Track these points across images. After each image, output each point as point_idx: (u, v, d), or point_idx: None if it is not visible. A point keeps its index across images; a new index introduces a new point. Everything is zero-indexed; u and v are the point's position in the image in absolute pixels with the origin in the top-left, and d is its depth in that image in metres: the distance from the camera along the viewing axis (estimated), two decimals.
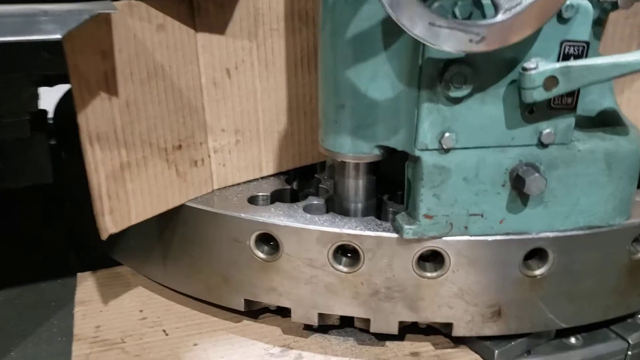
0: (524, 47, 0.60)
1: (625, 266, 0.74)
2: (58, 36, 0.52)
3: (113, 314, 0.82)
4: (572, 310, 0.74)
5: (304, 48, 0.76)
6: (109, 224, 0.66)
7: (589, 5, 0.60)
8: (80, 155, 0.64)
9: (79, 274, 0.90)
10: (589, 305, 0.74)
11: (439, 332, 0.77)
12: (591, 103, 0.69)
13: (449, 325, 0.72)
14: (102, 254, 0.90)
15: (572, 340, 0.80)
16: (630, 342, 0.80)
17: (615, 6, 0.63)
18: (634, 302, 0.77)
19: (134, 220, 0.69)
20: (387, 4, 0.53)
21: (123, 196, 0.67)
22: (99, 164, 0.65)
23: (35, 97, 0.96)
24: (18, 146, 0.96)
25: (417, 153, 0.64)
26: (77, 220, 0.95)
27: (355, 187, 0.73)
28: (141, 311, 0.82)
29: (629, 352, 0.80)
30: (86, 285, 0.88)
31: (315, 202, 0.75)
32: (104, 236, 0.67)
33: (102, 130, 0.64)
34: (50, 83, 1.02)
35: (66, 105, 1.05)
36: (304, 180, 0.86)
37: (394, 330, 0.73)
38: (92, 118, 0.63)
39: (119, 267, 0.91)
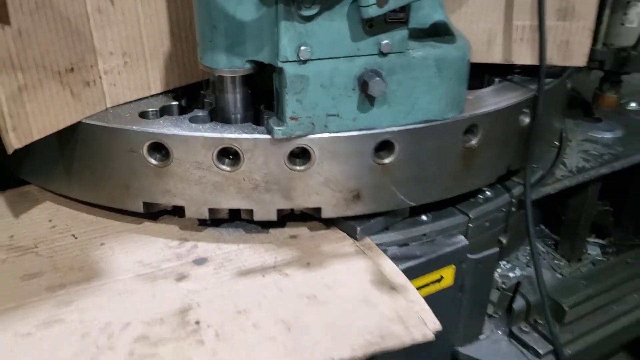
0: None
1: (459, 153, 0.90)
2: None
3: (24, 225, 0.91)
4: (419, 191, 0.90)
5: None
6: (13, 140, 0.75)
7: None
8: None
9: None
10: (433, 186, 0.91)
11: (313, 217, 0.92)
12: (424, 17, 0.83)
13: (318, 210, 0.87)
14: (10, 176, 0.98)
15: (423, 217, 0.97)
16: (471, 216, 0.98)
17: None
18: (470, 182, 0.95)
19: (36, 137, 0.78)
20: None
21: (23, 115, 0.76)
22: (0, 88, 0.72)
23: None
24: None
25: (280, 65, 0.76)
26: None
27: (234, 98, 0.84)
28: (50, 221, 0.92)
29: (470, 225, 0.99)
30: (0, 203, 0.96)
31: (200, 114, 0.87)
32: (10, 151, 0.75)
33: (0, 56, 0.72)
34: None
35: None
36: (191, 97, 0.97)
37: (274, 217, 0.87)
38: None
39: (26, 186, 0.99)
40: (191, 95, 0.96)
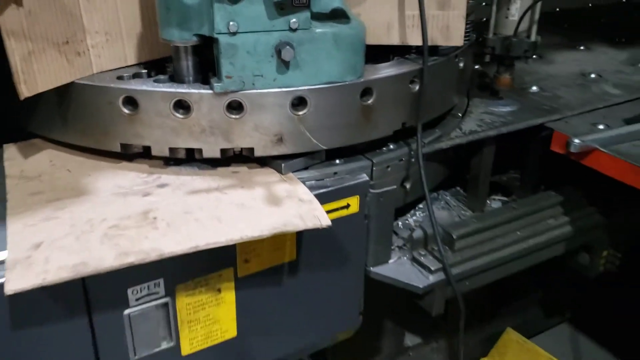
0: None
1: (359, 109, 1.20)
2: None
3: (31, 164, 1.20)
4: (328, 137, 1.19)
5: None
6: (24, 90, 1.04)
7: None
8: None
9: (4, 145, 1.26)
10: (339, 134, 1.20)
11: (250, 160, 1.21)
12: (325, 4, 1.12)
13: (252, 150, 1.16)
14: (20, 132, 1.27)
15: (337, 161, 1.25)
16: (374, 161, 1.27)
17: None
18: (369, 133, 1.24)
19: (40, 89, 1.07)
20: None
21: (31, 73, 1.05)
22: (15, 51, 1.02)
23: None
24: None
25: (216, 36, 1.06)
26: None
27: (186, 65, 1.14)
28: (51, 161, 1.21)
29: (374, 168, 1.27)
30: (10, 150, 1.25)
31: (161, 77, 1.16)
32: (22, 97, 1.05)
33: (15, 29, 1.01)
34: None
35: None
36: (157, 68, 1.26)
37: (218, 155, 1.15)
38: (8, 21, 1.00)
39: (34, 139, 1.28)
40: (157, 67, 1.25)
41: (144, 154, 1.19)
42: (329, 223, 1.05)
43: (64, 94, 1.14)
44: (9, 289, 0.87)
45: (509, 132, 1.46)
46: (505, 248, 1.41)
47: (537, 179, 1.60)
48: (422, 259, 1.34)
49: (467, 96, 1.60)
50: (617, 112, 1.55)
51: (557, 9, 2.53)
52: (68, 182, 1.14)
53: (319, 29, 1.11)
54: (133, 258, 0.93)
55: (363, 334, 1.88)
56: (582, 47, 2.08)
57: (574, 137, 1.36)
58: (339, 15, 1.14)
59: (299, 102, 1.15)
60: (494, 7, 1.46)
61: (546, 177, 1.62)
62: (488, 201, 1.60)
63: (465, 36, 1.40)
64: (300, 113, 1.14)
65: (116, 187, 1.12)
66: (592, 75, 1.79)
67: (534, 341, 2.05)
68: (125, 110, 1.12)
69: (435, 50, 1.33)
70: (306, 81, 1.13)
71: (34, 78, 1.06)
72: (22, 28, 1.03)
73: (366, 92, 1.20)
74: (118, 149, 1.17)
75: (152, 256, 0.94)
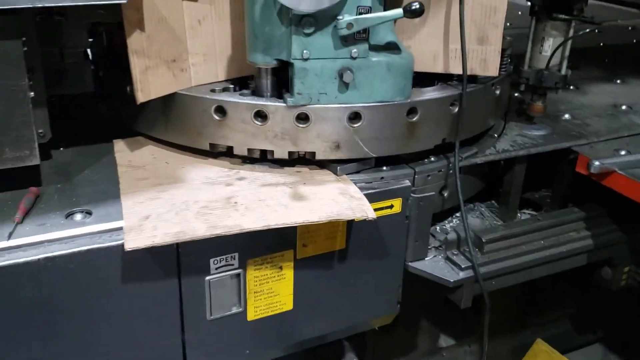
0: (339, 8, 1.28)
1: (405, 124, 1.43)
2: (124, 1, 1.18)
3: (137, 156, 1.49)
4: (377, 147, 1.43)
5: (240, 8, 1.43)
6: (140, 96, 1.33)
7: None
8: (114, 70, 1.30)
9: (114, 140, 1.56)
10: (387, 144, 1.44)
11: (312, 162, 1.46)
12: (381, 38, 1.37)
13: (314, 154, 1.41)
14: (124, 129, 1.57)
15: (384, 167, 1.49)
16: (416, 170, 1.50)
17: None
18: (413, 145, 1.47)
19: (152, 96, 1.36)
20: None
21: (147, 83, 1.34)
22: (136, 65, 1.31)
23: (87, 38, 1.61)
24: (76, 68, 1.61)
25: (292, 61, 1.32)
26: (113, 109, 1.61)
27: (266, 83, 1.41)
28: (153, 154, 1.49)
29: (415, 176, 1.50)
30: (119, 144, 1.54)
31: (245, 91, 1.43)
32: (138, 102, 1.33)
33: (137, 49, 1.31)
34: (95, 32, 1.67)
35: (99, 46, 1.70)
36: (243, 84, 1.53)
37: (286, 156, 1.41)
38: (133, 42, 1.29)
39: (138, 136, 1.57)
40: (242, 83, 1.52)
41: (226, 153, 1.46)
42: (375, 216, 1.29)
43: (168, 101, 1.43)
44: (128, 247, 1.14)
45: (538, 153, 1.66)
46: (529, 254, 1.60)
47: (565, 197, 1.79)
48: (454, 257, 1.55)
49: (505, 119, 1.81)
50: None
51: (601, 44, 2.70)
52: (167, 172, 1.42)
53: (375, 57, 1.36)
54: (220, 230, 1.19)
55: (401, 331, 2.10)
56: (618, 81, 2.25)
57: (595, 160, 1.55)
58: (392, 47, 1.39)
59: (354, 117, 1.39)
60: (530, 43, 1.68)
61: (574, 195, 1.80)
62: (519, 214, 1.80)
63: (502, 67, 1.62)
64: (355, 125, 1.39)
65: (205, 178, 1.40)
66: (623, 107, 1.97)
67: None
68: (216, 117, 1.40)
69: (474, 78, 1.56)
70: (362, 99, 1.38)
71: (148, 88, 1.35)
72: (143, 48, 1.32)
73: (412, 111, 1.43)
74: (207, 147, 1.44)
75: (235, 230, 1.20)
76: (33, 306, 1.18)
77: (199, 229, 1.19)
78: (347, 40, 1.32)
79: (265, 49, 1.34)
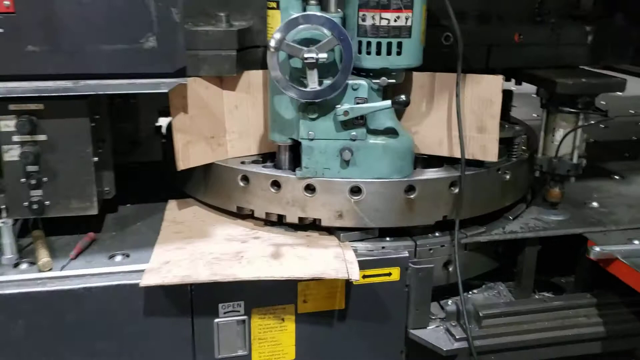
0: (338, 98, 1.52)
1: (403, 201, 1.60)
2: (165, 91, 1.51)
3: (181, 214, 1.79)
4: (378, 218, 1.60)
5: (267, 98, 1.71)
6: (180, 165, 1.64)
7: (366, 84, 1.51)
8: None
9: (169, 200, 1.88)
10: (387, 217, 1.61)
11: (319, 227, 1.66)
12: (380, 124, 1.58)
13: (320, 220, 1.62)
14: (179, 191, 1.88)
15: (387, 238, 1.65)
16: (417, 242, 1.64)
17: (379, 85, 1.53)
18: (412, 219, 1.62)
19: (191, 165, 1.66)
20: (279, 85, 1.48)
21: (187, 154, 1.65)
22: (179, 141, 1.63)
23: (157, 117, 1.99)
24: (147, 141, 1.99)
25: (300, 140, 1.57)
26: (171, 175, 1.94)
27: (284, 158, 1.66)
28: (194, 214, 1.79)
29: (417, 248, 1.64)
30: (172, 204, 1.85)
31: (268, 164, 1.69)
32: (178, 169, 1.64)
33: (180, 127, 1.62)
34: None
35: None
36: (270, 157, 1.79)
37: (296, 221, 1.63)
38: (177, 122, 1.61)
39: (187, 198, 1.88)
40: (272, 157, 1.78)
41: (252, 216, 1.71)
42: (357, 278, 1.45)
43: (207, 169, 1.73)
44: (142, 284, 1.41)
45: (553, 236, 1.73)
46: (531, 333, 1.64)
47: (586, 282, 1.81)
48: (452, 328, 1.64)
49: (526, 202, 1.90)
50: None
51: None
52: (199, 228, 1.69)
53: (372, 140, 1.56)
54: (218, 277, 1.43)
55: None
56: None
57: (597, 246, 1.59)
58: (390, 132, 1.59)
59: (355, 190, 1.59)
60: (542, 133, 1.78)
61: (601, 282, 1.81)
62: (537, 296, 1.84)
63: (513, 154, 1.75)
64: (356, 198, 1.59)
65: (227, 235, 1.65)
66: None
67: None
68: (241, 184, 1.66)
69: (481, 163, 1.69)
70: (361, 175, 1.58)
71: (188, 158, 1.66)
72: (186, 126, 1.63)
73: (410, 188, 1.60)
74: (235, 209, 1.71)
75: (229, 278, 1.43)
76: (73, 326, 1.47)
77: (202, 274, 1.44)
78: (346, 125, 1.54)
79: (281, 130, 1.60)
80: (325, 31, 1.45)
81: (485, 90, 1.59)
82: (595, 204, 1.92)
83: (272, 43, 1.44)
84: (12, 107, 1.47)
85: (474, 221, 1.74)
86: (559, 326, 1.67)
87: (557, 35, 1.80)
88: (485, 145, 1.64)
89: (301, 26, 1.45)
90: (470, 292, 1.84)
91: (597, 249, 1.58)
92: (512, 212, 1.85)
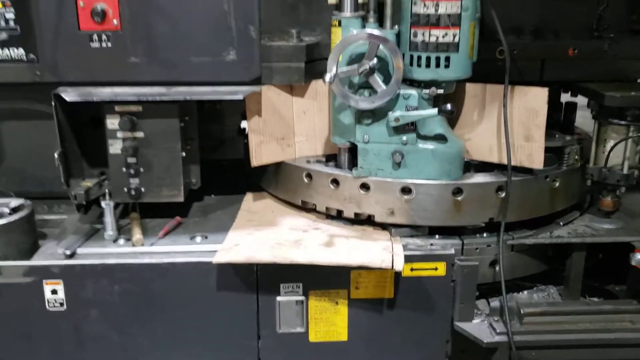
0: (391, 106, 1.69)
1: (451, 201, 1.73)
2: (240, 97, 1.75)
3: (256, 204, 2.02)
4: (427, 217, 1.75)
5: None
6: (254, 162, 1.88)
7: (416, 93, 1.67)
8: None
9: (247, 192, 2.13)
10: (435, 216, 1.75)
11: (374, 223, 1.83)
12: (430, 130, 1.73)
13: (373, 216, 1.79)
14: (256, 185, 2.12)
15: (437, 236, 1.79)
16: (465, 241, 1.77)
17: (429, 95, 1.68)
18: (459, 219, 1.75)
19: (264, 162, 1.89)
20: (339, 96, 1.68)
21: (260, 153, 1.88)
22: (253, 140, 1.86)
23: (240, 119, 2.26)
24: (232, 140, 2.26)
25: (357, 143, 1.75)
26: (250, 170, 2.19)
27: (343, 158, 1.85)
28: (267, 205, 2.02)
29: (464, 247, 1.77)
30: (248, 196, 2.10)
31: (330, 164, 1.89)
32: (252, 166, 1.88)
33: (255, 129, 1.86)
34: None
35: None
36: (332, 158, 1.98)
37: (352, 216, 1.81)
38: (252, 124, 1.85)
39: (262, 192, 2.12)
40: (333, 157, 1.98)
41: (314, 209, 1.92)
42: (400, 269, 1.61)
43: (278, 167, 1.95)
44: (215, 261, 1.65)
45: (594, 242, 1.80)
46: (571, 333, 1.72)
47: (636, 290, 1.85)
48: (494, 323, 1.76)
49: (580, 209, 1.96)
50: None
51: None
52: (269, 218, 1.92)
53: (422, 145, 1.72)
54: (277, 259, 1.64)
55: None
56: None
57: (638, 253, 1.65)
58: (439, 138, 1.73)
59: (406, 190, 1.75)
60: (594, 144, 1.84)
61: None
62: (587, 300, 1.90)
63: (564, 162, 1.83)
64: (406, 197, 1.74)
65: (292, 225, 1.87)
66: None
67: None
68: (306, 180, 1.87)
69: (530, 170, 1.79)
70: (411, 176, 1.74)
71: (260, 156, 1.89)
72: (259, 128, 1.87)
73: (458, 190, 1.74)
74: (300, 203, 1.92)
75: (287, 261, 1.64)
76: (157, 294, 1.74)
77: (264, 256, 1.66)
78: (398, 130, 1.71)
79: (341, 134, 1.80)
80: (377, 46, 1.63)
81: (531, 102, 1.70)
82: None
83: (327, 79, 1.64)
84: (117, 108, 1.77)
85: (524, 224, 1.84)
86: (601, 329, 1.73)
87: (614, 49, 1.86)
88: (531, 154, 1.74)
89: (354, 44, 1.65)
90: (520, 292, 1.93)
91: (639, 255, 1.63)
92: (564, 218, 1.92)
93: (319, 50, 1.87)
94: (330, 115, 1.87)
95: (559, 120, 2.08)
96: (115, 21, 1.70)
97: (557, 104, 2.10)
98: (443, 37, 1.62)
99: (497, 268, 1.80)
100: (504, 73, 1.74)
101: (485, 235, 1.81)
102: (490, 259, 1.80)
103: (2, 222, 1.73)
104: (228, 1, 1.70)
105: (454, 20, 1.60)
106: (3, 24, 1.73)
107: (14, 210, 1.81)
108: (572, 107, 2.09)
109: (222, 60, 1.75)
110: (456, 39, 1.62)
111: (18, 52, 1.75)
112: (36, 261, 1.72)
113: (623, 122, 1.74)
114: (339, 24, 1.71)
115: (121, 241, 1.81)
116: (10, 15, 1.73)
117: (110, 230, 1.82)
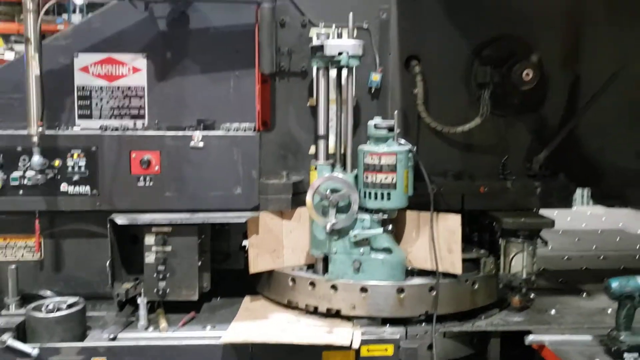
0: (351, 227, 2.36)
1: (397, 298, 2.35)
2: (243, 221, 2.43)
3: (252, 304, 2.63)
4: (379, 310, 2.36)
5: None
6: (251, 269, 2.52)
7: (369, 217, 2.36)
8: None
9: (246, 296, 2.74)
10: (386, 309, 2.36)
11: (340, 316, 2.43)
12: (380, 244, 2.39)
13: (340, 310, 2.40)
14: (253, 289, 2.74)
15: (387, 325, 2.39)
16: (407, 329, 2.37)
17: (378, 219, 2.37)
18: (403, 312, 2.37)
19: (259, 270, 2.54)
20: (315, 219, 2.36)
21: (256, 262, 2.53)
22: (251, 253, 2.52)
23: (242, 240, 2.92)
24: (234, 255, 2.91)
25: (330, 255, 2.41)
26: (248, 279, 2.81)
27: (320, 266, 2.49)
28: (261, 304, 2.62)
29: (407, 332, 2.36)
30: (247, 298, 2.70)
31: (309, 270, 2.53)
32: (250, 273, 2.51)
33: (254, 244, 2.52)
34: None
35: None
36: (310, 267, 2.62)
37: (325, 310, 2.42)
38: (251, 240, 2.52)
39: (257, 294, 2.73)
40: (312, 265, 2.62)
41: (297, 307, 2.52)
42: (356, 346, 2.20)
43: (270, 274, 2.59)
44: (221, 342, 2.24)
45: (505, 331, 2.40)
46: None
47: None
48: None
49: (500, 307, 2.57)
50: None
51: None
52: (262, 313, 2.53)
53: (374, 255, 2.38)
54: (264, 339, 2.23)
55: None
56: None
57: (531, 334, 2.25)
58: (387, 250, 2.39)
59: (364, 289, 2.37)
60: (502, 256, 2.50)
61: None
62: None
63: (482, 270, 2.48)
64: (364, 295, 2.37)
65: (279, 318, 2.47)
66: (609, 311, 2.54)
67: None
68: (290, 284, 2.50)
69: (455, 275, 2.43)
70: (367, 279, 2.37)
71: (257, 265, 2.54)
72: (257, 244, 2.53)
73: (401, 290, 2.37)
74: (286, 302, 2.53)
75: (273, 341, 2.23)
76: None
77: (257, 338, 2.25)
78: (357, 244, 2.37)
79: (317, 247, 2.46)
80: (341, 185, 2.34)
81: (450, 224, 2.39)
82: (553, 311, 2.55)
83: (309, 198, 2.35)
84: (153, 229, 2.44)
85: (455, 317, 2.45)
86: None
87: (515, 187, 2.58)
88: (453, 262, 2.40)
89: (328, 182, 2.37)
90: None
91: (531, 337, 2.23)
92: (487, 313, 2.53)
93: (302, 186, 2.59)
94: (310, 233, 2.54)
95: (485, 239, 2.75)
96: (157, 167, 2.42)
97: (484, 227, 2.78)
98: (385, 179, 2.33)
99: (434, 351, 2.39)
100: (434, 203, 2.44)
101: (424, 324, 2.41)
102: (428, 343, 2.39)
103: (63, 313, 2.33)
104: (237, 153, 2.44)
105: (392, 168, 2.32)
106: (77, 169, 2.44)
107: (70, 306, 2.41)
108: (493, 229, 2.77)
109: (231, 194, 2.46)
110: (394, 181, 2.33)
111: (85, 189, 2.45)
112: (86, 343, 2.30)
113: (519, 240, 2.42)
114: (315, 168, 2.44)
115: (150, 329, 2.40)
116: (82, 163, 2.45)
117: (142, 321, 2.41)
